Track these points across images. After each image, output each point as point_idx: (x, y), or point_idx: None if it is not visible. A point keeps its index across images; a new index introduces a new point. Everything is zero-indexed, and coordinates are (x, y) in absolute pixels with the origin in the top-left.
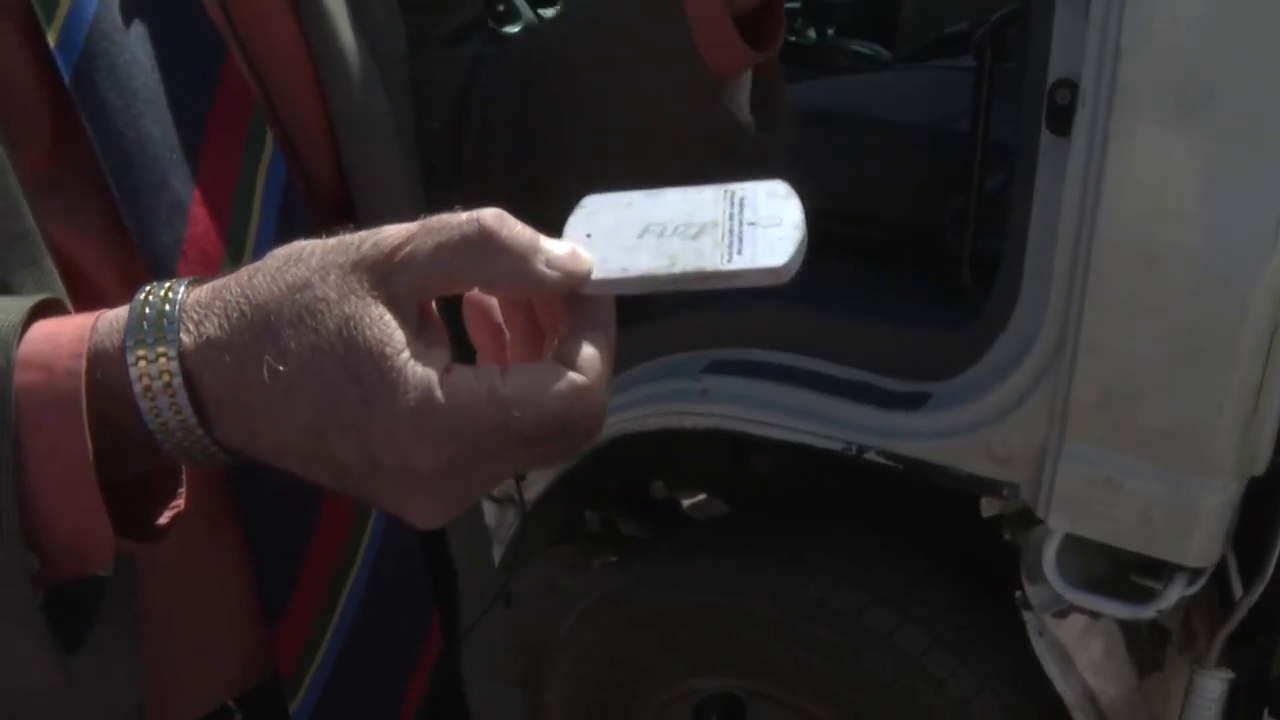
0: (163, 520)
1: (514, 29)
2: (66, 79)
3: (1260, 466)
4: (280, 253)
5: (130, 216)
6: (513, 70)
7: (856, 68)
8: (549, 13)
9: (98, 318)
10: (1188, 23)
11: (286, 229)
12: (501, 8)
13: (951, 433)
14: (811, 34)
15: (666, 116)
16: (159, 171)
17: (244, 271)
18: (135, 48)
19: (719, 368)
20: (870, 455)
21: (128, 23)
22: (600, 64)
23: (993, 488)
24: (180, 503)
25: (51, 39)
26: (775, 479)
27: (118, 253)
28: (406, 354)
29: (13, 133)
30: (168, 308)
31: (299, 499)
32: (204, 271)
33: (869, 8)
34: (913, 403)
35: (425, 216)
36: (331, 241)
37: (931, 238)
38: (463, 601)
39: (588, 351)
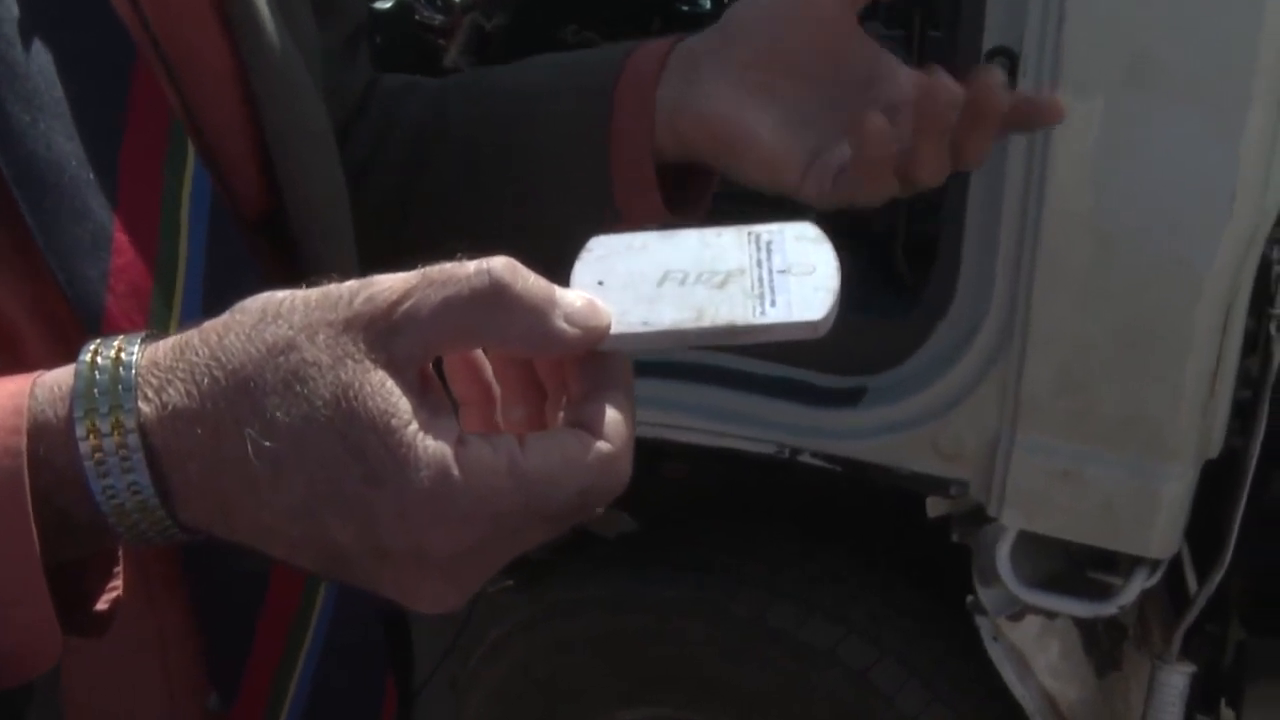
0: (101, 606)
1: (384, 4)
2: None
3: (1215, 449)
4: (252, 306)
5: (50, 249)
6: (408, 130)
7: None
8: None
9: (34, 382)
10: None
11: (218, 252)
12: None
13: (893, 429)
14: (706, 2)
15: (558, 236)
16: (77, 196)
17: (209, 328)
18: (38, 53)
19: (632, 368)
20: (805, 457)
21: (27, 25)
22: (505, 163)
23: (940, 486)
24: (118, 584)
25: None
26: (691, 487)
27: (29, 286)
28: (415, 426)
29: None
30: (121, 371)
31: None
32: (134, 304)
33: None
34: (849, 398)
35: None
36: (314, 294)
37: (860, 219)
38: (417, 657)
39: (611, 415)
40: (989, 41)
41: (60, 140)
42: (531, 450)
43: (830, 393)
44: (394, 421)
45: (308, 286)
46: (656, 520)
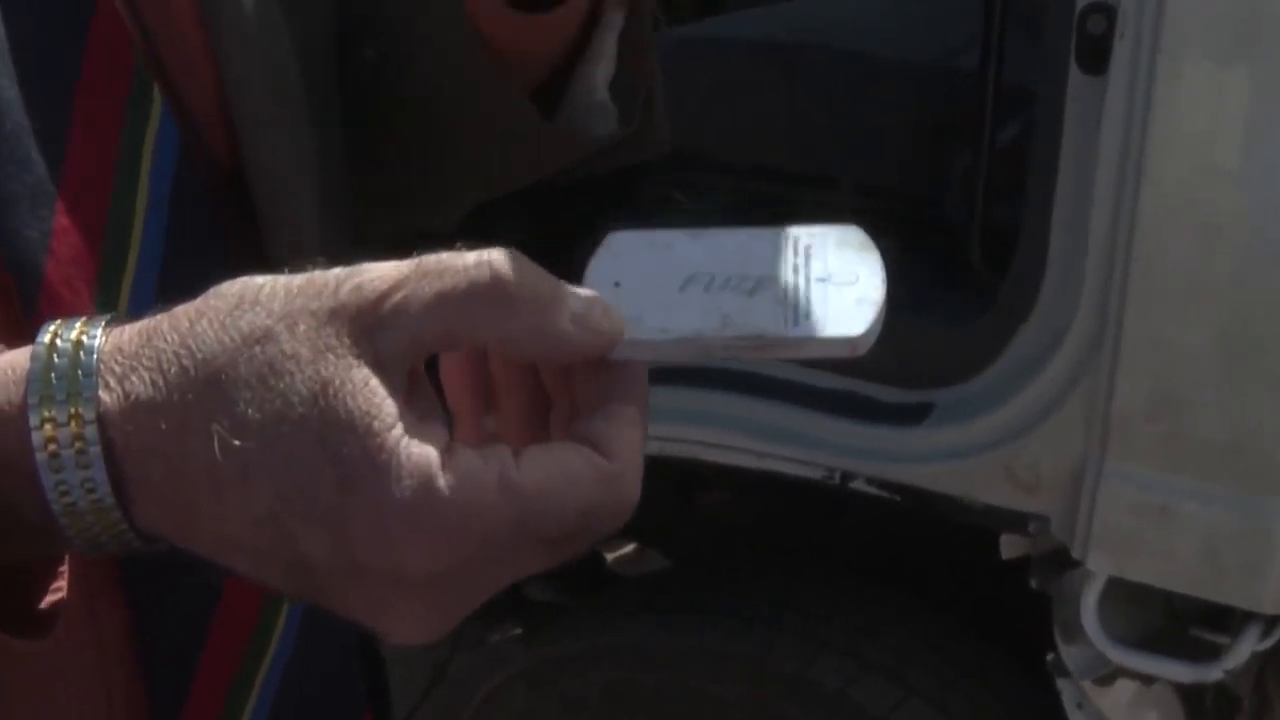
0: (44, 605)
1: None
2: None
3: None
4: (229, 291)
5: None
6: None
7: None
8: None
9: None
10: None
11: (180, 214)
12: None
13: (962, 453)
14: None
15: (446, 97)
16: (20, 147)
17: (181, 313)
18: None
19: (661, 375)
20: (858, 484)
21: None
22: (379, 20)
23: (1016, 521)
24: (62, 584)
25: None
26: (731, 522)
27: None
28: (399, 430)
29: None
30: (82, 355)
31: (197, 572)
32: (77, 271)
33: None
34: (912, 416)
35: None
36: (297, 280)
37: (931, 206)
38: (394, 688)
39: (619, 431)
40: None
41: (4, 85)
42: (527, 464)
43: (890, 409)
44: (376, 424)
45: (291, 271)
46: (683, 557)
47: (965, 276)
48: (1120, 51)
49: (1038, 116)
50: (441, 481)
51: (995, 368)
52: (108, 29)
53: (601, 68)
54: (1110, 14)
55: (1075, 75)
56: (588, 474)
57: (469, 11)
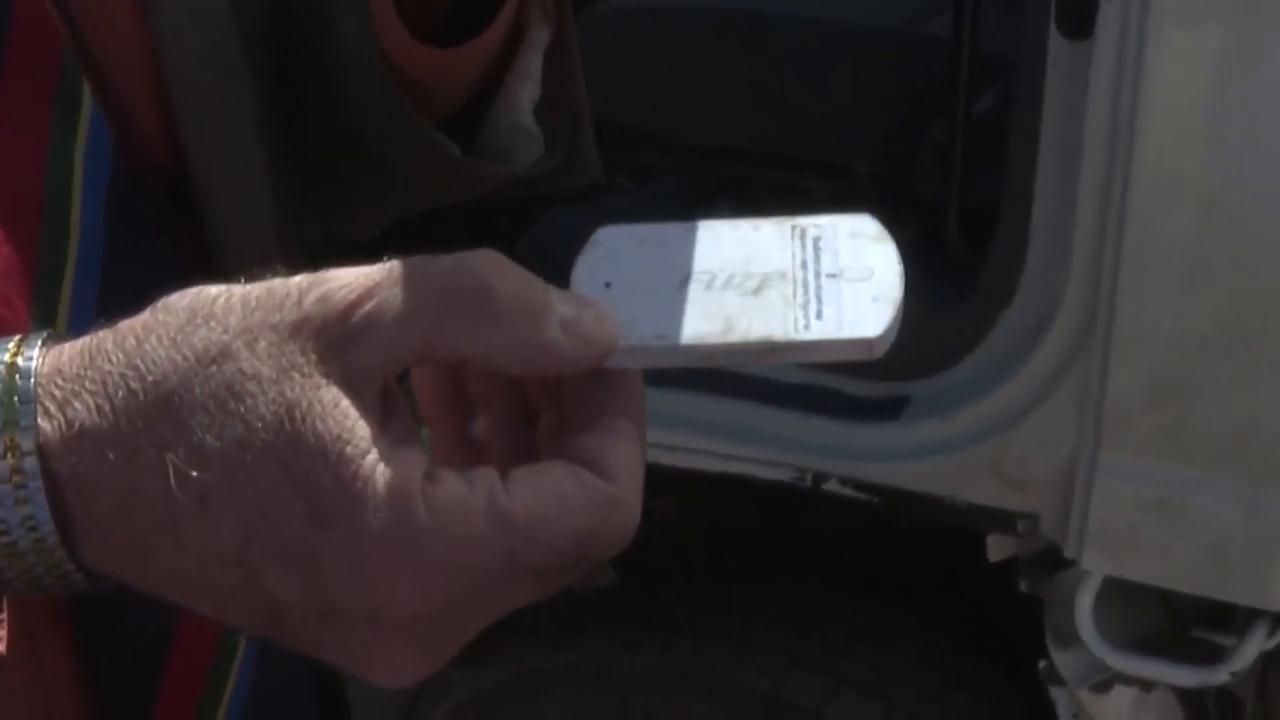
0: None
1: None
2: None
3: None
4: (180, 304)
5: None
6: None
7: None
8: None
9: None
10: None
11: (118, 223)
12: None
13: (943, 449)
14: None
15: (355, 127)
16: None
17: (127, 330)
18: None
19: None
20: (831, 485)
21: None
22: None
23: (1004, 521)
24: (1, 634)
25: None
26: (686, 528)
27: None
28: (373, 455)
29: None
30: (18, 379)
31: (146, 614)
32: (11, 286)
33: None
34: (887, 410)
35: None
36: (256, 291)
37: (902, 182)
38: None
39: (616, 448)
40: None
41: None
42: (516, 488)
43: (864, 403)
44: (348, 450)
45: (247, 278)
46: (642, 570)
47: (942, 258)
48: (1108, 15)
49: (1017, 85)
50: (423, 511)
51: (977, 356)
52: (30, 23)
53: (526, 90)
54: None
55: (1056, 41)
56: (583, 498)
57: (380, 42)
